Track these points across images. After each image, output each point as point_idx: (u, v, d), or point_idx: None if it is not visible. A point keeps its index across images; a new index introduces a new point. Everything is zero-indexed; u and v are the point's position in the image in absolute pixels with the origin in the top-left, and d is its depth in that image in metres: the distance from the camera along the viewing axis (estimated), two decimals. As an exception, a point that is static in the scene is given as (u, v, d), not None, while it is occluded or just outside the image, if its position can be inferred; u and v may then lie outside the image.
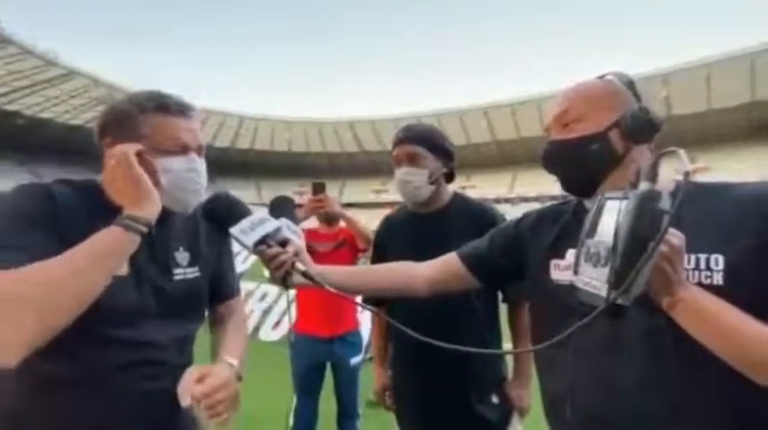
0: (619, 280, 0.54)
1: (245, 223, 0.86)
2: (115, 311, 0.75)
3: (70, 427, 0.75)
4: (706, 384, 0.63)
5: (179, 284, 0.88)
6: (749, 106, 27.89)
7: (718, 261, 0.62)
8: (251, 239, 0.85)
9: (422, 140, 1.32)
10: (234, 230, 0.85)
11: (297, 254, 0.88)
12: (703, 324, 0.58)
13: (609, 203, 0.62)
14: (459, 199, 1.41)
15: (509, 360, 1.45)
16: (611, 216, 0.59)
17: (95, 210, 0.76)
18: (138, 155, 0.76)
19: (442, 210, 1.37)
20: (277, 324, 4.82)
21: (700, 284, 0.62)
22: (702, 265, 0.63)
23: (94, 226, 0.69)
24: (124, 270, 0.77)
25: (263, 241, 0.86)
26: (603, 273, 0.57)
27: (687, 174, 0.54)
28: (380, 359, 1.58)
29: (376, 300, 1.41)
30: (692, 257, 0.63)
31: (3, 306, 0.58)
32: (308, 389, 2.18)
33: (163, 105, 0.82)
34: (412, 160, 1.31)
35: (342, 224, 2.24)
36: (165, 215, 0.80)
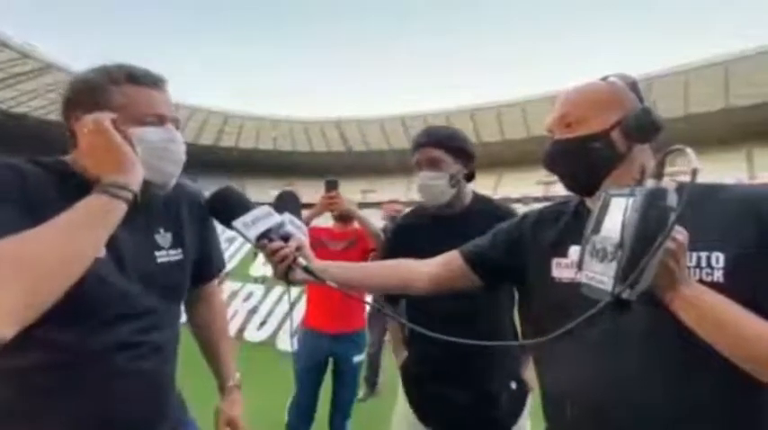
0: (625, 275, 0.55)
1: (248, 217, 0.85)
2: (99, 294, 0.73)
3: (59, 414, 0.73)
4: (708, 380, 0.64)
5: (162, 267, 0.85)
6: (723, 112, 28.89)
7: (719, 259, 0.64)
8: (253, 233, 0.85)
9: (441, 144, 1.32)
10: (237, 223, 0.85)
11: (299, 249, 0.87)
12: (705, 319, 0.59)
13: (614, 200, 0.62)
14: (479, 200, 1.42)
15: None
16: (617, 212, 0.60)
17: (67, 188, 0.72)
18: (113, 124, 0.73)
19: (465, 212, 1.37)
20: (262, 324, 4.77)
21: (701, 281, 0.63)
22: (703, 263, 0.65)
23: (68, 204, 0.65)
24: (101, 251, 0.73)
25: (265, 235, 0.85)
26: (610, 268, 0.57)
27: (695, 172, 0.54)
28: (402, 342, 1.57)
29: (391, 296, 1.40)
30: (694, 255, 0.65)
31: None
32: (309, 383, 2.21)
33: (134, 76, 0.79)
34: (432, 164, 1.31)
35: (355, 224, 2.26)
36: (144, 195, 0.77)
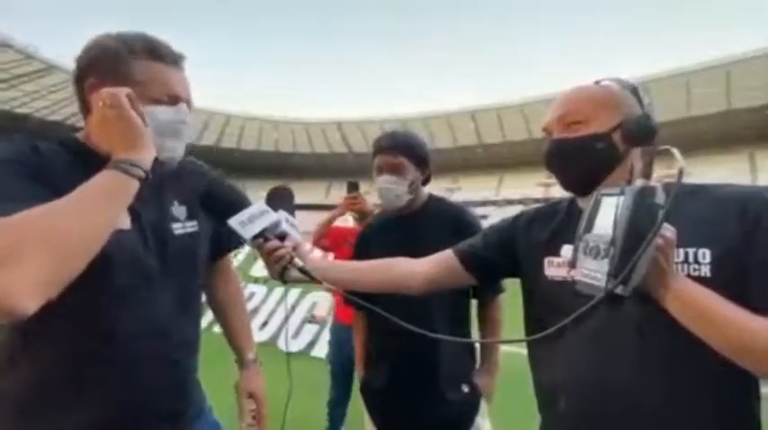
0: (618, 270, 0.57)
1: (244, 215, 0.84)
2: (124, 268, 0.73)
3: (87, 403, 0.74)
4: (698, 374, 0.66)
5: (180, 239, 0.85)
6: (725, 114, 28.84)
7: (706, 255, 0.66)
8: (249, 232, 0.83)
9: (404, 150, 1.35)
10: (232, 222, 0.83)
11: (295, 248, 0.87)
12: (693, 312, 0.61)
13: (605, 199, 0.65)
14: (434, 201, 1.46)
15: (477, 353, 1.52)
16: (609, 211, 0.62)
17: (82, 161, 0.73)
18: (129, 99, 0.71)
19: (418, 212, 1.42)
20: (264, 324, 4.78)
21: (688, 276, 0.65)
22: (691, 259, 0.67)
23: (84, 176, 0.65)
24: (126, 223, 0.74)
25: (261, 234, 0.85)
26: (603, 265, 0.59)
27: (681, 171, 0.57)
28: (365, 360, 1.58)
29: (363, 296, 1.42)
30: (681, 251, 0.67)
31: (9, 250, 0.53)
32: (341, 378, 2.38)
33: (155, 51, 0.77)
34: (394, 169, 1.34)
35: None
36: (156, 168, 0.76)
